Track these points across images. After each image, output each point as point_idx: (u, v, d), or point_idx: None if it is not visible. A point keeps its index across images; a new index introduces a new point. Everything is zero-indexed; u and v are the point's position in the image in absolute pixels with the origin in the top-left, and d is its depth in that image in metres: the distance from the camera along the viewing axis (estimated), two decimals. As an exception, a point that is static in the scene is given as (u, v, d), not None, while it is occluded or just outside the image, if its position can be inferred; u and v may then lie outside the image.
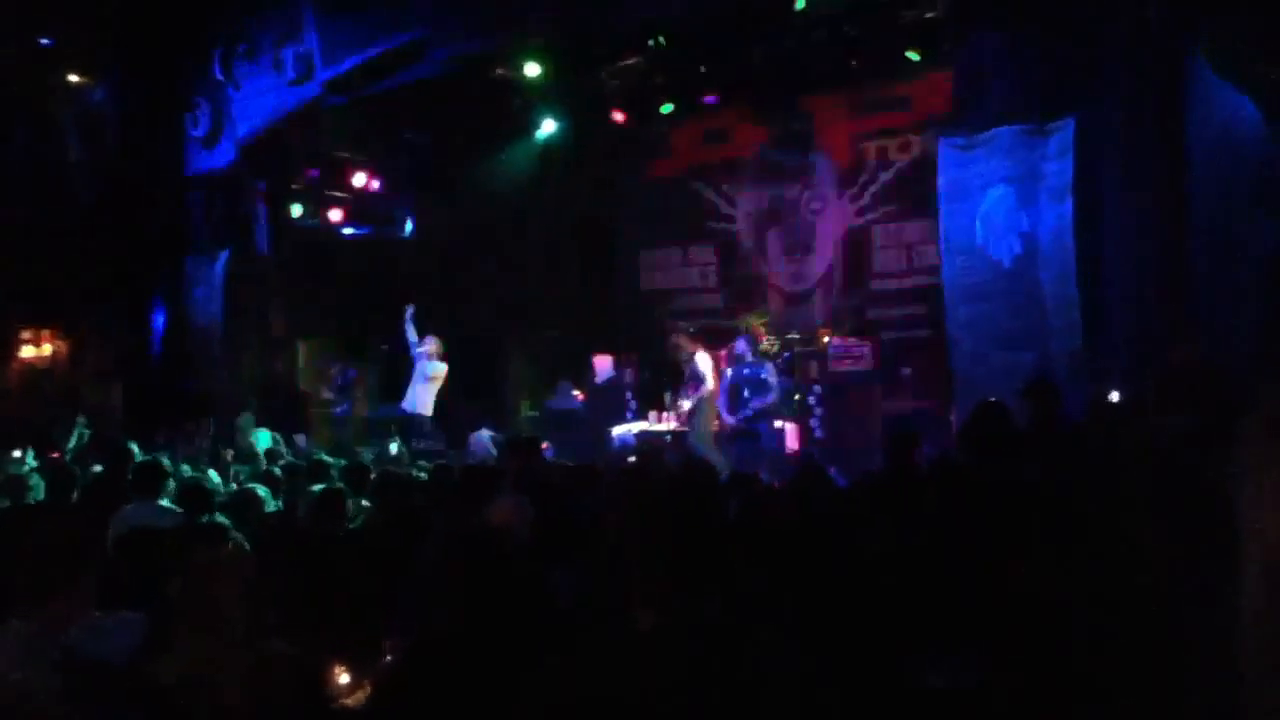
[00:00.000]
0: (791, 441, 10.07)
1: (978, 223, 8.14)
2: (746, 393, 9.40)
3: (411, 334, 10.20)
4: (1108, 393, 6.19)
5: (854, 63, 10.80)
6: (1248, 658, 1.25)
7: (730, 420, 9.44)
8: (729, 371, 9.62)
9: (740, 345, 9.75)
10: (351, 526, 4.90)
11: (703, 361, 9.56)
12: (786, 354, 10.77)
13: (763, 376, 9.42)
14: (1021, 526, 2.62)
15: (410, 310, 10.24)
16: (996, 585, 2.56)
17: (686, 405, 9.64)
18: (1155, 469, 2.65)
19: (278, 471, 6.32)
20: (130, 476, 5.22)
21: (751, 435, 9.36)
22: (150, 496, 4.92)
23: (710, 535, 1.99)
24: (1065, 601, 2.17)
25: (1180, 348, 5.70)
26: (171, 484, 5.12)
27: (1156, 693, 2.09)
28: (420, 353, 10.15)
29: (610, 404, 11.23)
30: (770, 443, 9.49)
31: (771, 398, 9.42)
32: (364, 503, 5.39)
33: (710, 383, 9.43)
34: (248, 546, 4.12)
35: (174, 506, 4.89)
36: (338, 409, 11.87)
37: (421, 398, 10.12)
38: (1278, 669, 1.21)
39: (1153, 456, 2.91)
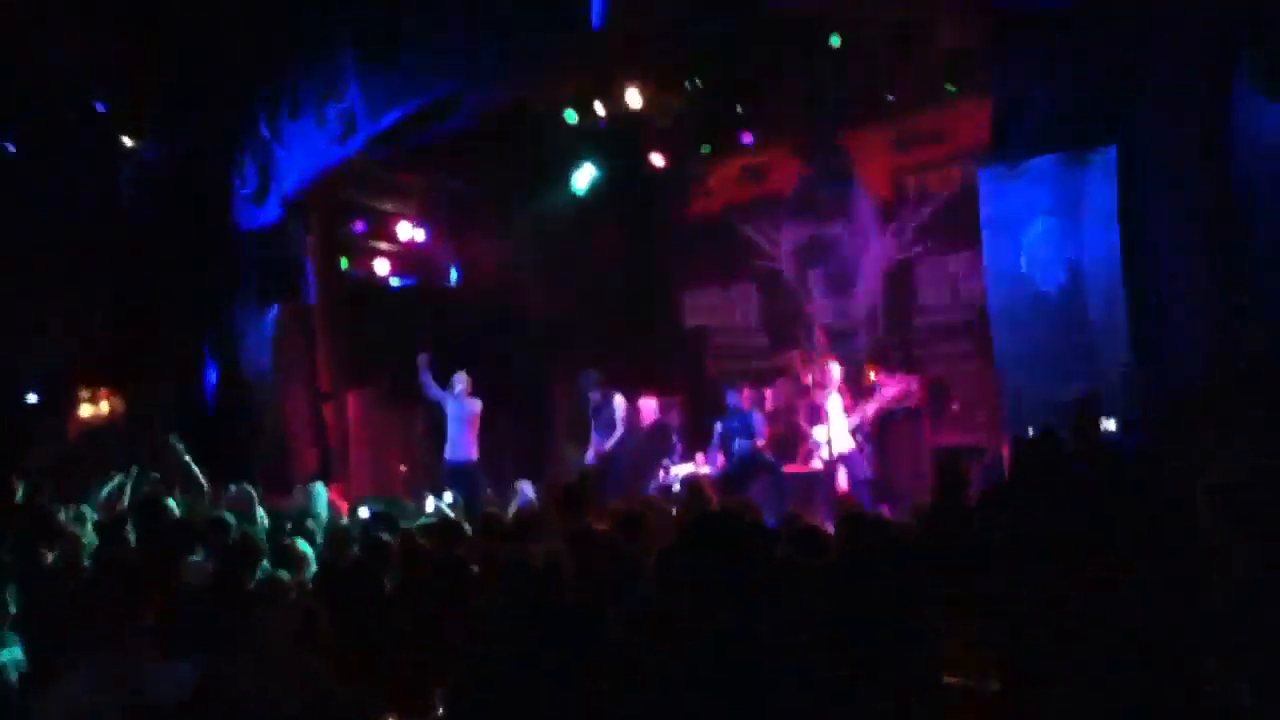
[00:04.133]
0: (843, 481, 9.99)
1: (1022, 253, 8.06)
2: (735, 442, 9.65)
3: (431, 385, 10.24)
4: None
5: (891, 96, 10.81)
6: None
7: (718, 468, 9.67)
8: (719, 425, 9.89)
9: (731, 398, 9.99)
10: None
11: (619, 406, 9.89)
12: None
13: (751, 425, 9.65)
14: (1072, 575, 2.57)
15: (424, 360, 10.28)
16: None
17: (608, 446, 9.96)
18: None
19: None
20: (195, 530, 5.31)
21: (758, 467, 9.51)
22: (195, 554, 5.00)
23: (756, 575, 1.97)
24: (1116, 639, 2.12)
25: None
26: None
27: None
28: (455, 395, 10.18)
29: (657, 446, 11.22)
30: (818, 483, 9.53)
31: (758, 440, 9.55)
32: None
33: (620, 430, 9.83)
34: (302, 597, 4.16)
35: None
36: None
37: (464, 443, 10.15)
38: None
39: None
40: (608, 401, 10.42)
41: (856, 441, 9.93)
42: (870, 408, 9.61)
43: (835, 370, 10.06)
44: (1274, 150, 6.21)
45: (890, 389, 9.63)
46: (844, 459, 9.64)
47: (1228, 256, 6.53)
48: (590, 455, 10.52)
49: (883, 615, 3.38)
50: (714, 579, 1.87)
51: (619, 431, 10.34)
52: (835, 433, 9.62)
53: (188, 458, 7.53)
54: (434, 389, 10.28)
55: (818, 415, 9.81)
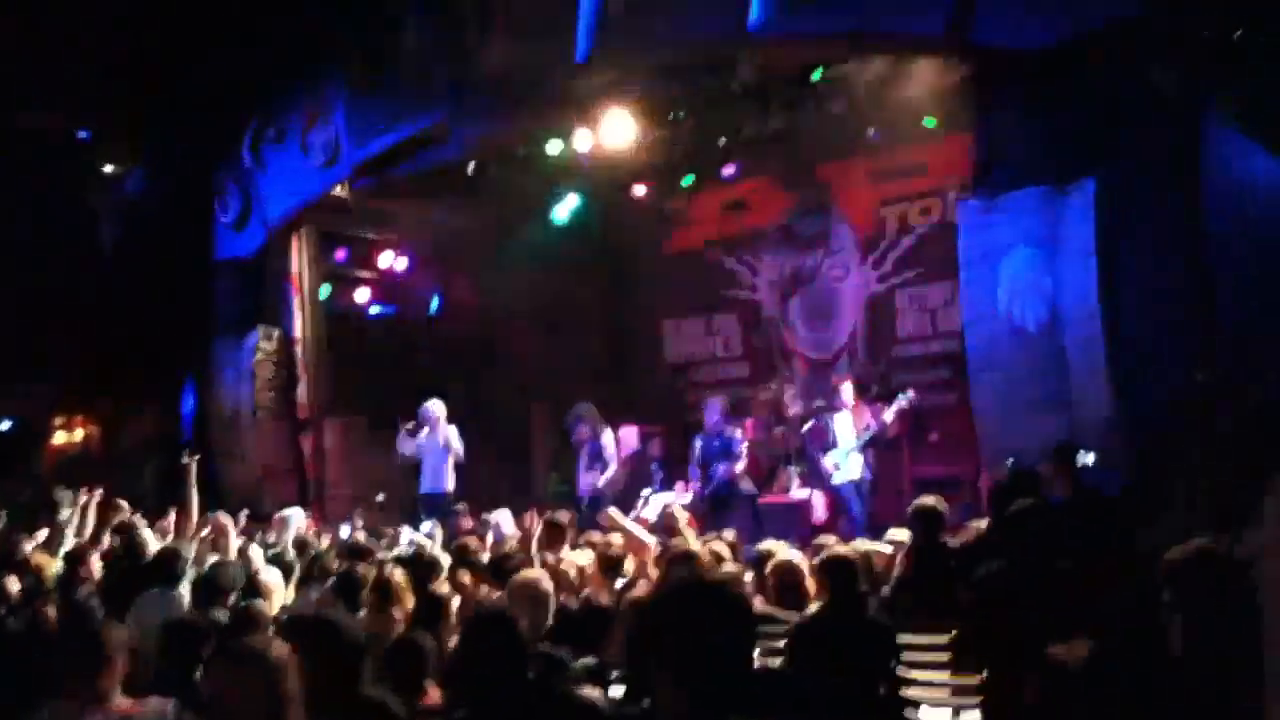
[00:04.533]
0: (820, 511, 9.98)
1: (1000, 287, 8.10)
2: (716, 463, 9.55)
3: (405, 443, 10.11)
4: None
5: (872, 130, 10.90)
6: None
7: (703, 490, 9.56)
8: (698, 443, 9.78)
9: (712, 417, 9.87)
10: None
11: (610, 442, 9.78)
12: (814, 420, 10.71)
13: (732, 448, 9.56)
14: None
15: (405, 429, 10.15)
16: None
17: (601, 482, 9.85)
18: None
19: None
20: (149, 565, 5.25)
21: (736, 497, 9.44)
22: (169, 586, 4.94)
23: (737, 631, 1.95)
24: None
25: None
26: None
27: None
28: (427, 433, 10.05)
29: (638, 475, 11.18)
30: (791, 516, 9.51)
31: (739, 464, 9.50)
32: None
33: (614, 465, 9.73)
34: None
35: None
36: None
37: (441, 472, 10.07)
38: None
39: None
40: (598, 436, 10.31)
41: (867, 461, 9.74)
42: (890, 414, 9.51)
43: (847, 391, 9.95)
44: (1242, 189, 6.29)
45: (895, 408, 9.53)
46: (856, 485, 9.54)
47: (1197, 294, 6.59)
48: (583, 489, 10.35)
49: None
50: (686, 661, 1.85)
51: (613, 467, 10.19)
52: (844, 458, 9.55)
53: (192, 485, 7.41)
54: (407, 445, 10.17)
55: (826, 439, 9.76)
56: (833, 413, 9.95)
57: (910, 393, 9.52)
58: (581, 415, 10.47)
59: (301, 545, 7.23)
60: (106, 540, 6.88)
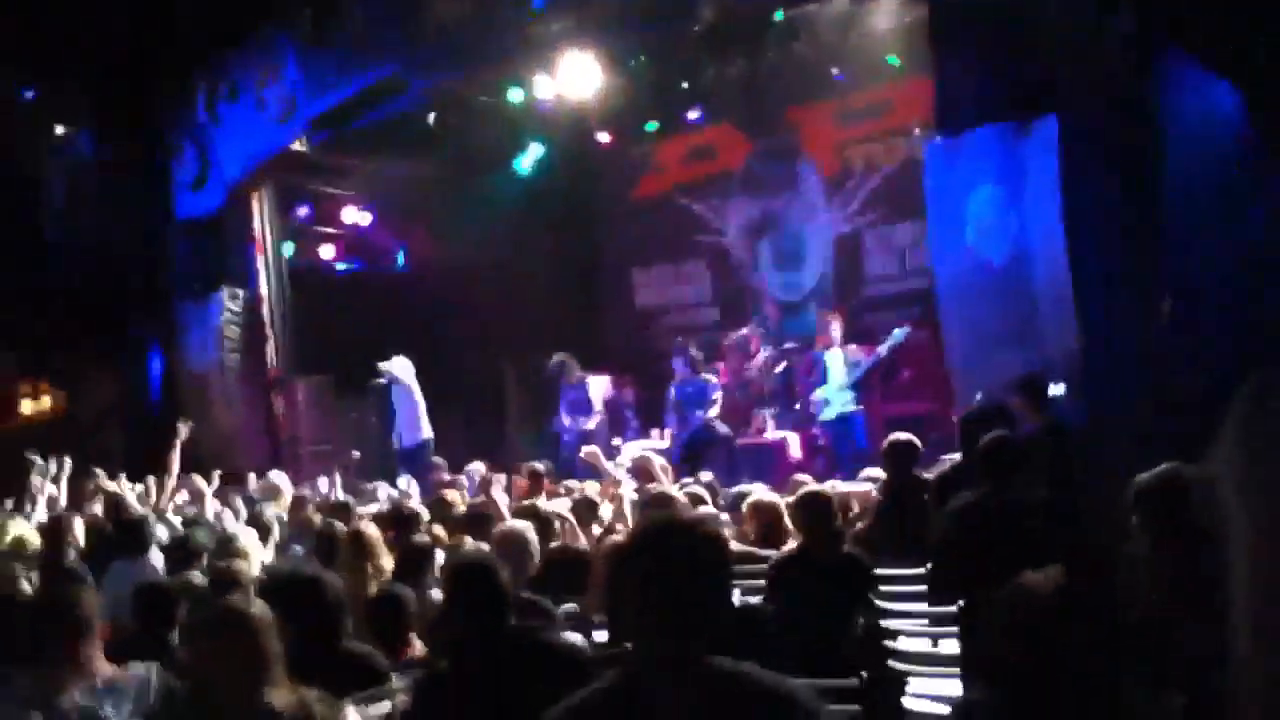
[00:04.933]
0: (795, 450, 10.07)
1: (967, 225, 8.13)
2: (692, 409, 9.62)
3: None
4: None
5: (835, 71, 10.83)
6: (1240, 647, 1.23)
7: (681, 436, 9.62)
8: (673, 391, 9.84)
9: (679, 364, 9.96)
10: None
11: (594, 387, 9.87)
12: (784, 365, 10.77)
13: (707, 393, 9.64)
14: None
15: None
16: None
17: (592, 424, 9.95)
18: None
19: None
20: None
21: (713, 441, 9.51)
22: (138, 553, 4.93)
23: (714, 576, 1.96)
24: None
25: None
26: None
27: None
28: (395, 374, 10.13)
29: (611, 424, 11.23)
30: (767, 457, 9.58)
31: (714, 409, 9.56)
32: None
33: (599, 410, 9.82)
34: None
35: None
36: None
37: (417, 422, 10.09)
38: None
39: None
40: (582, 384, 10.40)
41: (860, 397, 9.75)
42: (884, 348, 9.56)
43: (836, 328, 9.98)
44: (1200, 121, 6.31)
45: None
46: (844, 420, 9.61)
47: (1151, 226, 6.64)
48: (568, 435, 10.43)
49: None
50: (665, 602, 1.85)
51: (596, 412, 10.33)
52: (835, 393, 9.60)
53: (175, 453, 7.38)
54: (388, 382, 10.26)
55: (815, 373, 9.81)
56: (822, 349, 9.98)
57: (907, 327, 9.56)
58: (564, 362, 10.57)
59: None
60: (95, 507, 6.85)
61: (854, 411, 9.65)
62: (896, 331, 9.55)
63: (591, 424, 10.33)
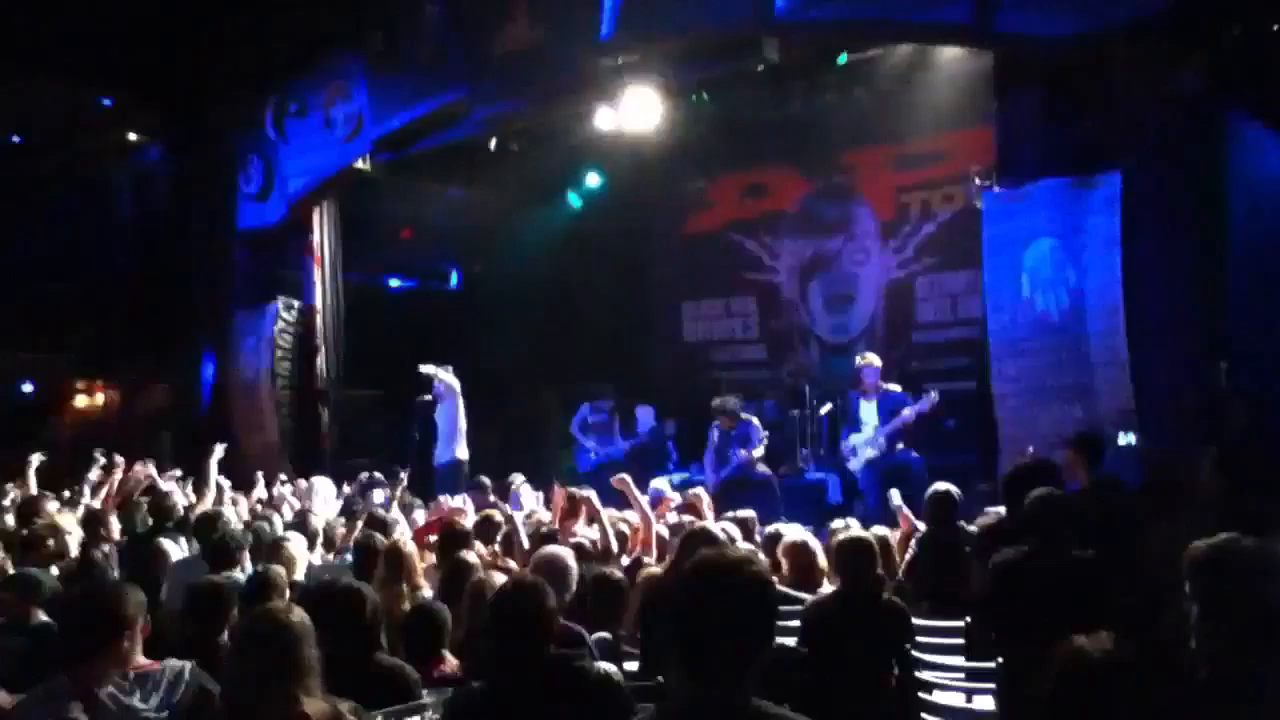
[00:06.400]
0: (835, 494, 9.99)
1: (1024, 276, 8.05)
2: (732, 451, 9.44)
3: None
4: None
5: (895, 116, 10.83)
6: None
7: (714, 478, 9.41)
8: (715, 433, 9.63)
9: (730, 402, 9.78)
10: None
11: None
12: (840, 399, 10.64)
13: (751, 435, 9.45)
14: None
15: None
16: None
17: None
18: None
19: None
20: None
21: (760, 485, 9.32)
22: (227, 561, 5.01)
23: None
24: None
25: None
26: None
27: None
28: (445, 380, 9.99)
29: (651, 455, 11.21)
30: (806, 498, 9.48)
31: (758, 451, 9.43)
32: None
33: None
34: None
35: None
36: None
37: (453, 440, 9.98)
38: None
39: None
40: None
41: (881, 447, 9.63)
42: (910, 414, 9.42)
43: (871, 374, 9.66)
44: (1268, 183, 6.24)
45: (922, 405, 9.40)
46: (870, 469, 9.48)
47: (1219, 286, 6.55)
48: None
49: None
50: (708, 640, 1.84)
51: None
52: (862, 442, 9.46)
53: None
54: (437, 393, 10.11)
55: (849, 419, 9.68)
56: (858, 394, 9.85)
57: (934, 394, 9.37)
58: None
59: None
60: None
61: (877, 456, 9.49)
62: (924, 398, 9.38)
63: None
